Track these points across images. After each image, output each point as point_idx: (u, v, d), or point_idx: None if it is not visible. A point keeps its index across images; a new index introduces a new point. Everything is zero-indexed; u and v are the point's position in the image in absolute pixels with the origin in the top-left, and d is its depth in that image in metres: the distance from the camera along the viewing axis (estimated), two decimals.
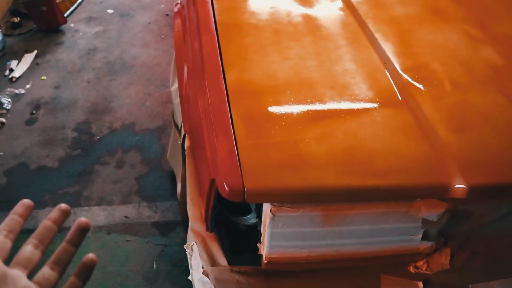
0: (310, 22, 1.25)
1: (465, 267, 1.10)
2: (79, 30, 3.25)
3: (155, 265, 1.78)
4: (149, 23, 3.36)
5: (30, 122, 2.45)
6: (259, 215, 1.03)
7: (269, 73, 1.09)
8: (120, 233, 1.90)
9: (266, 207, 0.94)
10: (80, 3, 3.55)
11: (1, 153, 2.26)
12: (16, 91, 2.64)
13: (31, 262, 0.48)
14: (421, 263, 1.11)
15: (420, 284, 1.07)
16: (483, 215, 1.03)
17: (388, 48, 1.17)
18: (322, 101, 1.04)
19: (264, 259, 1.04)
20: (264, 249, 1.03)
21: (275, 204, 0.92)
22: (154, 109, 2.56)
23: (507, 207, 1.01)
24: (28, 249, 0.49)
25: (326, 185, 0.90)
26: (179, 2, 1.67)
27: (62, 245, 0.51)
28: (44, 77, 2.77)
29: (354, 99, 1.05)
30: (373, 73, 1.11)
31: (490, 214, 1.03)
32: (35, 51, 2.99)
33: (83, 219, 0.51)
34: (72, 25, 3.29)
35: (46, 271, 0.49)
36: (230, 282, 1.05)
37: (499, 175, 0.94)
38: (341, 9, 1.30)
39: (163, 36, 3.20)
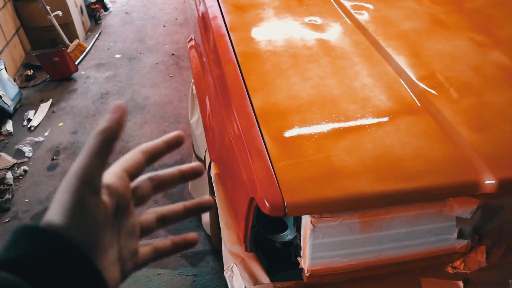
0: (324, 44, 1.32)
1: (502, 262, 1.12)
2: (90, 76, 3.37)
3: None
4: (156, 63, 3.48)
5: (52, 167, 2.52)
6: (298, 229, 1.06)
7: (293, 94, 1.16)
8: (150, 267, 1.92)
9: (306, 219, 0.98)
10: (89, 51, 3.69)
11: (26, 200, 2.32)
12: (36, 139, 2.73)
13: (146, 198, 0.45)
14: (458, 262, 1.13)
15: (461, 283, 1.10)
16: None
17: (401, 61, 1.23)
18: (346, 115, 1.09)
19: (306, 272, 1.07)
20: (305, 262, 1.06)
21: (315, 215, 0.96)
22: None
23: None
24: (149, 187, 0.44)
25: (361, 192, 0.94)
26: (192, 37, 1.76)
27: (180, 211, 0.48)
28: (61, 124, 2.87)
29: (376, 110, 1.10)
30: (391, 85, 1.17)
31: None
32: (50, 100, 3.10)
33: (207, 198, 0.48)
34: (83, 72, 3.42)
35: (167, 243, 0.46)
36: None
37: None
38: (351, 29, 1.38)
39: (171, 75, 3.32)
